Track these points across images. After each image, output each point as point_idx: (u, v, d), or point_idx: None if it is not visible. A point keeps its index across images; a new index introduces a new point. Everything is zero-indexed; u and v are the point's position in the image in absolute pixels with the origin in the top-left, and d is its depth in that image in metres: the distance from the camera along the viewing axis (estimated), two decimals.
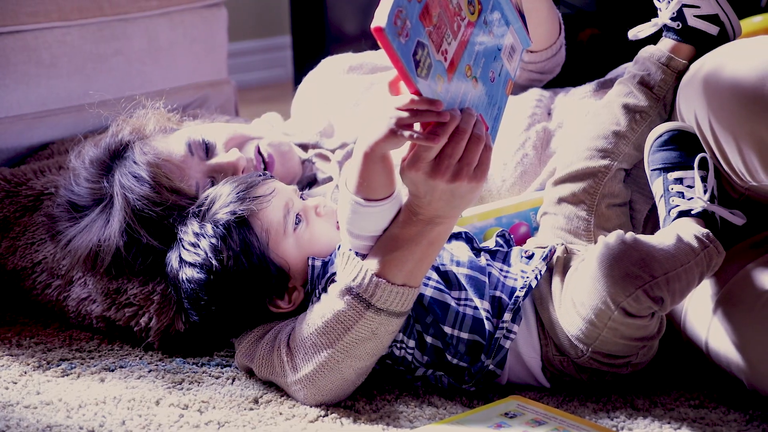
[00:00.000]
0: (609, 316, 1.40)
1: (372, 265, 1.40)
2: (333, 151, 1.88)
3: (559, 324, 1.46)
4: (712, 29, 1.60)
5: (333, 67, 2.00)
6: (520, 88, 1.85)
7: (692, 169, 1.50)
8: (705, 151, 1.51)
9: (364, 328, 1.41)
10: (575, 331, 1.44)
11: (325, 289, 1.47)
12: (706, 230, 1.44)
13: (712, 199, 1.49)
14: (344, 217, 1.40)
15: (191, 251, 1.49)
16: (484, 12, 1.37)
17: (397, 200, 1.39)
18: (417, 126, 1.30)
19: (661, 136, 1.55)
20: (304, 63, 2.80)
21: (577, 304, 1.43)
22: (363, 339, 1.42)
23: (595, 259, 1.41)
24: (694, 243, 1.42)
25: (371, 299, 1.40)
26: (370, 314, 1.40)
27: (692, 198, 1.49)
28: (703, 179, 1.49)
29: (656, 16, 1.65)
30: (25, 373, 1.60)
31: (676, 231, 1.44)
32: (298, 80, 2.67)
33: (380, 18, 1.21)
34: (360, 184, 1.35)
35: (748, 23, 2.08)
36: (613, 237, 1.42)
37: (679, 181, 1.51)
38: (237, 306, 1.50)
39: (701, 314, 1.50)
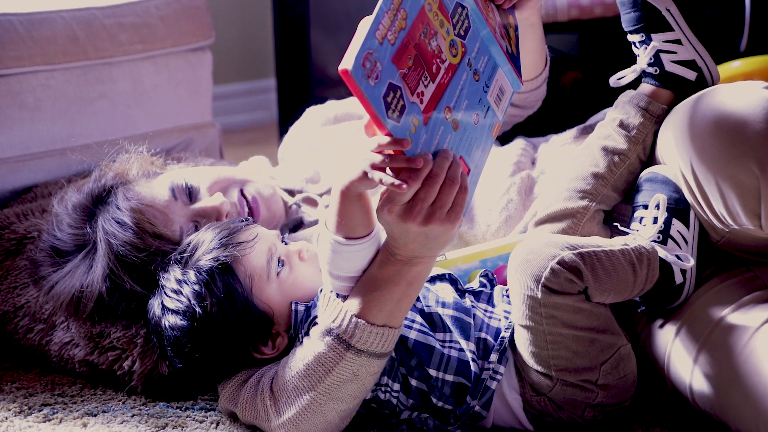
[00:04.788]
0: (537, 300, 1.41)
1: (352, 306, 1.40)
2: (320, 196, 1.88)
3: (527, 363, 1.46)
4: (690, 74, 1.61)
5: (317, 117, 2.00)
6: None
7: (653, 209, 1.52)
8: (667, 194, 1.52)
9: (345, 370, 1.41)
10: (526, 345, 1.45)
11: (307, 333, 1.46)
12: (632, 237, 1.49)
13: (664, 241, 1.50)
14: (325, 257, 1.40)
15: (174, 298, 1.48)
16: (468, 54, 1.36)
17: (375, 240, 1.39)
18: (389, 170, 1.29)
19: (641, 176, 1.58)
20: (288, 106, 2.80)
21: (513, 309, 1.46)
22: (344, 381, 1.41)
23: (512, 259, 1.46)
24: (617, 244, 1.47)
25: (351, 340, 1.39)
26: (350, 355, 1.40)
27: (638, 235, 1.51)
28: (655, 220, 1.51)
29: (635, 59, 1.65)
30: (6, 418, 1.59)
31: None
32: (283, 123, 2.65)
33: (347, 60, 1.21)
34: (339, 222, 1.35)
35: (727, 68, 2.09)
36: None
37: (639, 220, 1.54)
38: (221, 353, 1.49)
39: (684, 359, 1.50)
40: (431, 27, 1.31)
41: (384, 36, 1.24)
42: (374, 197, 1.36)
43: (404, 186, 1.28)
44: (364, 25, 1.24)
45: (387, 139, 1.27)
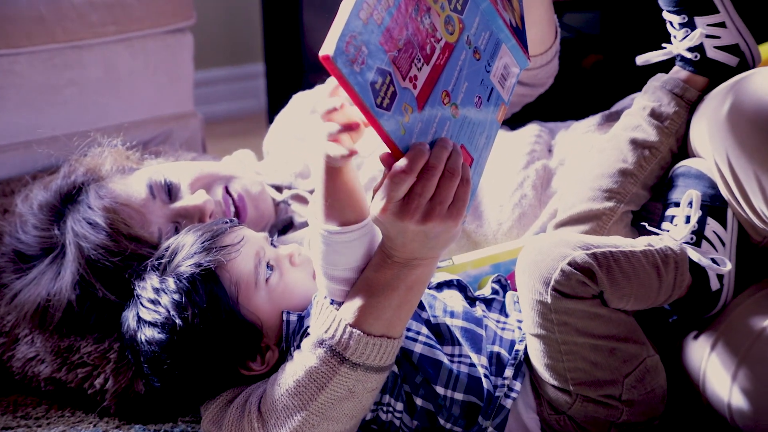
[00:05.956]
0: (547, 305, 1.38)
1: (347, 314, 1.35)
2: (311, 192, 1.83)
3: (542, 377, 1.43)
4: (732, 60, 1.57)
5: (305, 104, 1.99)
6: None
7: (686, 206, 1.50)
8: (702, 190, 1.49)
9: (339, 386, 1.35)
10: (539, 357, 1.41)
11: (299, 346, 1.40)
12: (658, 237, 1.47)
13: (698, 243, 1.47)
14: (317, 255, 1.36)
15: (151, 309, 1.43)
16: (467, 31, 1.32)
17: (369, 230, 1.34)
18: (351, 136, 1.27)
19: (672, 170, 1.55)
20: (278, 93, 2.81)
21: (523, 316, 1.43)
22: (339, 398, 1.36)
23: (520, 261, 1.44)
24: (639, 244, 1.44)
25: (345, 353, 1.34)
26: (345, 370, 1.35)
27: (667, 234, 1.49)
28: (688, 219, 1.48)
29: (664, 38, 1.61)
30: None
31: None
32: (272, 112, 2.71)
33: (328, 45, 1.17)
34: (326, 205, 1.32)
35: (765, 49, 2.02)
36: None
37: (670, 219, 1.51)
38: (204, 369, 1.43)
39: (722, 375, 1.45)
40: (423, 2, 1.27)
41: (369, 16, 1.20)
42: (368, 194, 1.33)
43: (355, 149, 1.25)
44: (347, 4, 1.20)
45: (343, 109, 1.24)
